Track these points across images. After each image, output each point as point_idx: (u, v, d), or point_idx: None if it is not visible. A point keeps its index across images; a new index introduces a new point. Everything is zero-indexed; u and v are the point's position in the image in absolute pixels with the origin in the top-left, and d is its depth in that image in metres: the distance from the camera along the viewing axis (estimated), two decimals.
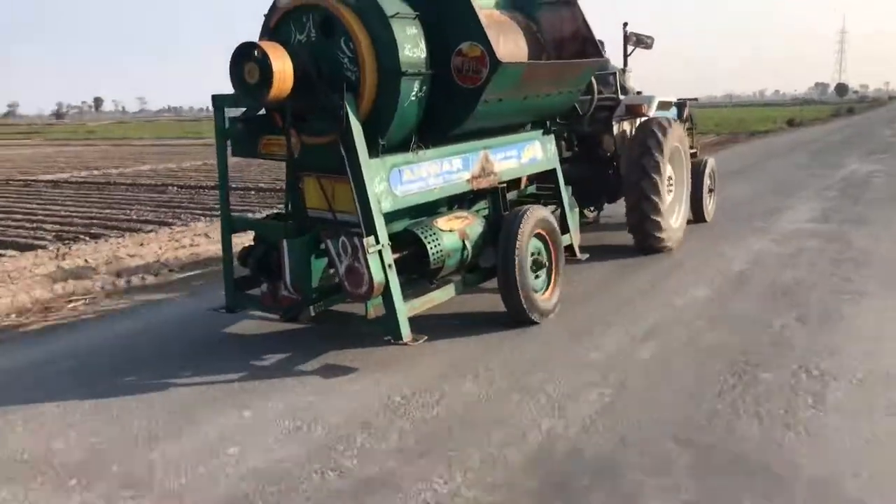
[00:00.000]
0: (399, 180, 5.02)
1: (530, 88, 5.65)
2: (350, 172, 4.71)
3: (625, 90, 8.97)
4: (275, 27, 5.00)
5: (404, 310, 4.88)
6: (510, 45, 6.01)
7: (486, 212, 6.01)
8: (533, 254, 5.82)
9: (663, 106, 8.77)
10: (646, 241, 8.05)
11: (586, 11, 6.34)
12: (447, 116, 5.31)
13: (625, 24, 10.36)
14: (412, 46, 4.83)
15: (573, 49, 6.44)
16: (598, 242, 8.90)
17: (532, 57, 6.19)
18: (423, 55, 4.93)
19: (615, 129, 8.28)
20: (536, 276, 5.85)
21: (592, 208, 9.17)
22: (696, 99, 12.40)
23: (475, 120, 5.35)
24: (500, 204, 5.90)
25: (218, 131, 5.39)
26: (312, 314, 5.13)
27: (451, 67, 5.17)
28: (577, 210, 7.26)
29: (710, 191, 10.63)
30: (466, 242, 5.39)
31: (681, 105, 11.39)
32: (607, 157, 8.47)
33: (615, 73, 8.63)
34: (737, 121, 44.47)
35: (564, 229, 6.96)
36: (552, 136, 6.72)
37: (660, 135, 7.90)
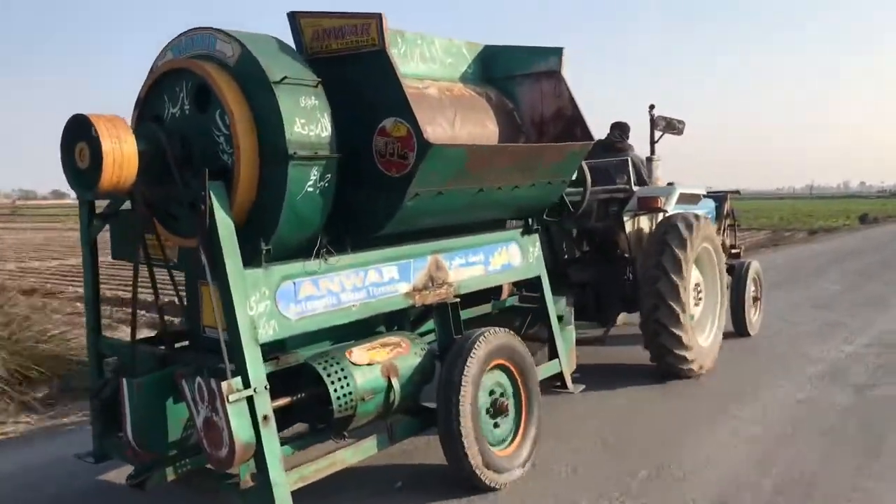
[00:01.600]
0: (293, 297, 3.74)
1: (486, 178, 4.38)
2: (213, 287, 3.47)
3: (642, 181, 7.64)
4: (146, 98, 3.89)
5: (284, 482, 3.51)
6: (471, 125, 4.79)
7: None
8: (492, 393, 4.42)
9: (688, 199, 7.36)
10: (664, 361, 6.53)
11: (573, 87, 5.11)
12: (370, 213, 4.07)
13: (651, 107, 9.14)
14: (307, 122, 3.62)
15: (557, 131, 5.19)
16: (611, 360, 7.39)
17: (506, 141, 4.96)
18: (326, 133, 3.71)
19: (629, 227, 6.89)
20: (495, 425, 4.41)
21: (600, 322, 7.66)
22: (737, 191, 10.95)
23: (405, 218, 4.08)
24: (450, 325, 4.54)
25: (83, 229, 4.25)
26: (170, 477, 3.80)
27: (374, 150, 3.96)
28: (571, 328, 5.83)
29: (756, 299, 9.05)
30: (395, 380, 4.02)
31: (719, 198, 10.01)
32: (622, 259, 7.05)
33: (629, 160, 7.33)
34: (805, 215, 42.27)
35: (553, 353, 5.55)
36: (536, 236, 5.40)
37: (683, 230, 6.50)
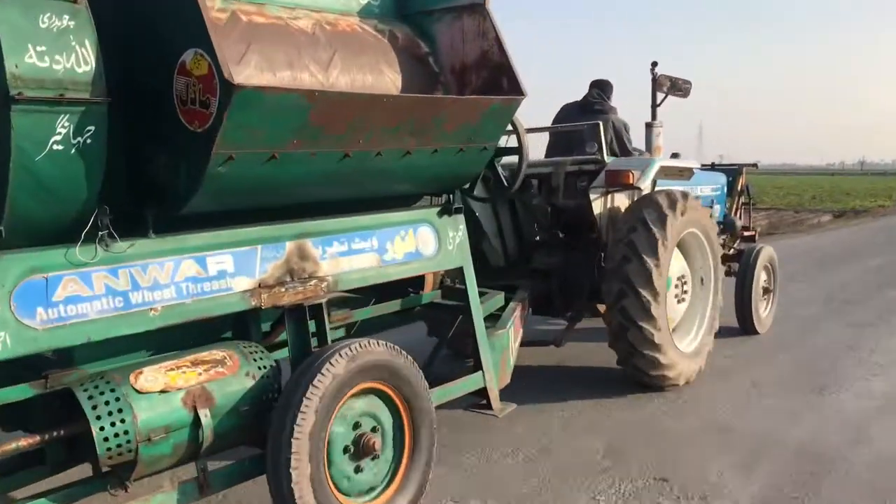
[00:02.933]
0: (44, 297, 2.68)
1: (354, 140, 3.23)
2: None
3: (625, 150, 6.40)
4: None
5: None
6: (358, 72, 3.65)
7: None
8: (357, 426, 3.32)
9: (676, 174, 6.10)
10: (630, 364, 5.39)
11: (501, 26, 3.91)
12: (171, 182, 2.97)
13: (654, 65, 7.84)
14: (50, 49, 2.52)
15: (481, 82, 4.01)
16: (569, 362, 6.26)
17: (416, 93, 3.81)
18: (87, 69, 2.59)
19: (599, 205, 5.66)
20: (357, 469, 3.32)
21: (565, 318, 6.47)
22: (755, 164, 9.61)
23: (224, 189, 2.96)
24: (306, 333, 3.44)
25: None
26: None
27: (175, 94, 2.85)
28: (504, 332, 4.69)
29: (767, 291, 7.80)
30: (205, 411, 2.95)
31: (732, 172, 8.71)
32: (592, 243, 5.86)
33: (602, 124, 6.09)
34: (842, 193, 39.87)
35: (477, 364, 4.43)
36: (459, 217, 4.26)
37: (664, 208, 5.31)
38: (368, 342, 3.33)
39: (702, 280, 6.02)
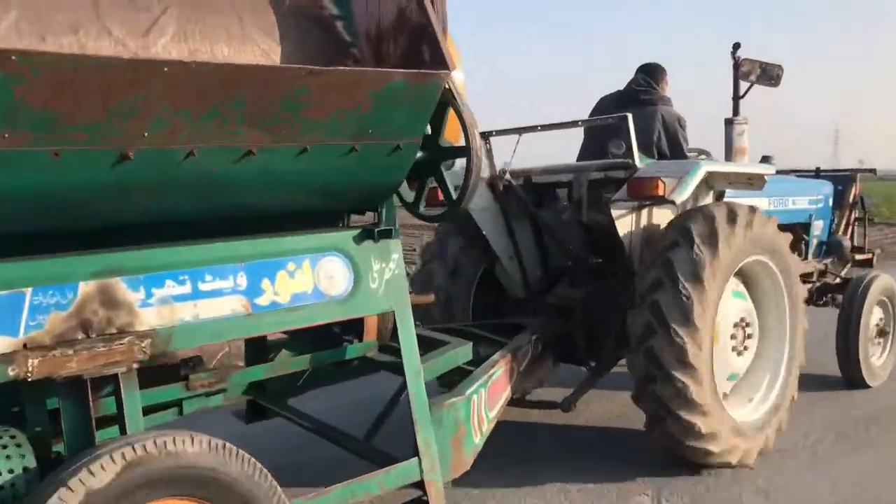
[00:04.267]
0: None
1: (126, 130, 2.11)
2: None
3: (677, 151, 4.97)
4: None
5: None
6: (219, 41, 2.57)
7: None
8: None
9: (739, 181, 4.63)
10: (658, 429, 4.02)
11: None
12: None
13: (735, 47, 6.35)
14: None
15: (400, 52, 2.82)
16: (588, 421, 4.90)
17: (326, 64, 2.67)
18: None
19: (628, 223, 4.27)
20: None
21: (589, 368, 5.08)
22: (872, 170, 7.77)
23: None
24: (87, 418, 2.36)
25: None
26: None
27: None
28: (460, 402, 3.41)
29: (884, 333, 6.11)
30: None
31: (843, 180, 7.02)
32: (623, 271, 4.48)
33: (647, 119, 4.69)
34: None
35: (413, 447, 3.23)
36: (391, 243, 3.08)
37: (717, 222, 3.95)
38: (167, 440, 2.22)
39: (772, 327, 4.53)
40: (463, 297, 5.08)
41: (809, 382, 5.48)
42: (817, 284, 6.22)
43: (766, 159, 6.61)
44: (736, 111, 6.61)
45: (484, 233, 4.87)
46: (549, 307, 4.81)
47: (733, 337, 4.25)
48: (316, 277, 2.91)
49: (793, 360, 4.53)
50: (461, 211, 3.10)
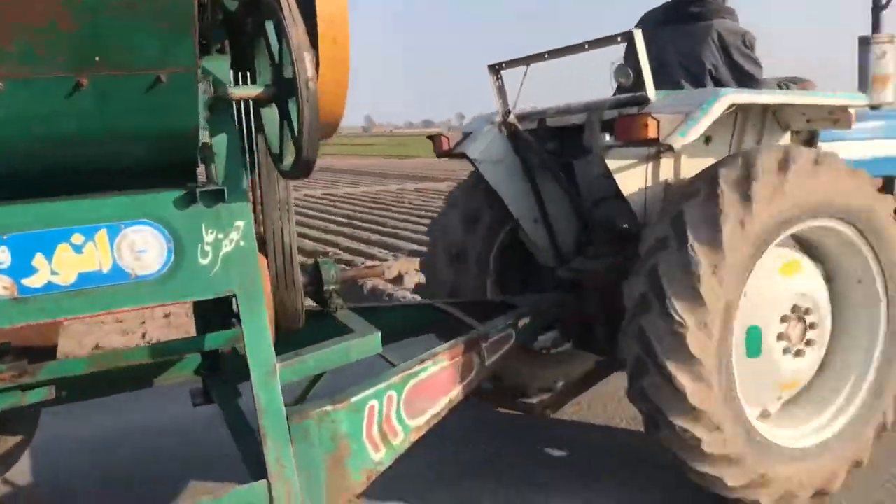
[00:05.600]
0: None
1: None
2: None
3: (741, 77, 3.69)
4: None
5: None
6: None
7: None
8: None
9: (799, 118, 3.35)
10: (662, 447, 2.98)
11: None
12: None
13: None
14: None
15: None
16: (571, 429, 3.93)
17: None
18: None
19: (630, 177, 3.22)
20: None
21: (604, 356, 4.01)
22: None
23: None
24: None
25: None
26: None
27: None
28: (341, 412, 2.59)
29: None
30: None
31: None
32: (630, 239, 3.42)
33: (699, 37, 3.53)
34: None
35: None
36: (231, 207, 2.37)
37: (757, 167, 2.86)
38: None
39: (855, 323, 3.28)
40: (480, 256, 4.22)
41: None
42: None
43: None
44: (875, 27, 5.14)
45: (498, 192, 4.00)
46: (562, 282, 3.86)
47: (781, 337, 3.08)
48: (116, 252, 2.29)
49: (888, 369, 3.25)
50: (300, 168, 2.30)
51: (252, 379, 2.44)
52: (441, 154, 4.19)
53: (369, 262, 7.56)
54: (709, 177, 2.93)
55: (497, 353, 3.31)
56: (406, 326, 3.71)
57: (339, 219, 13.52)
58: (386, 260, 7.80)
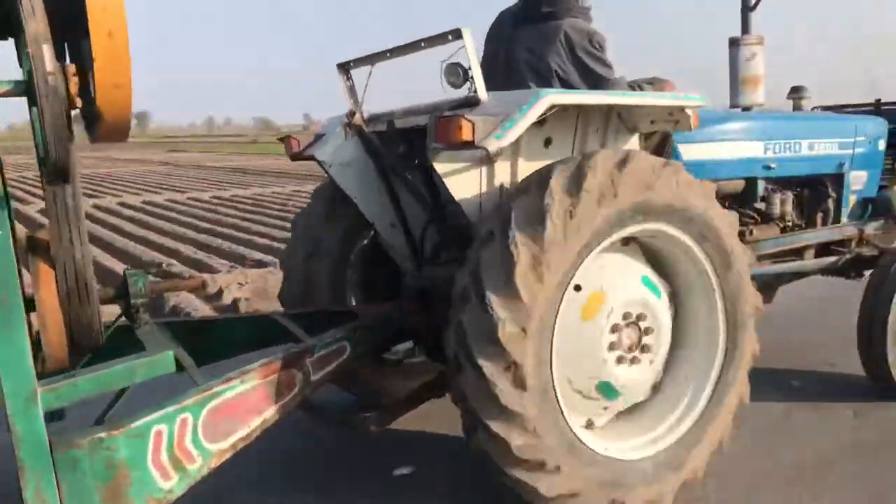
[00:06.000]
0: None
1: None
2: None
3: (595, 78, 3.57)
4: None
5: None
6: None
7: None
8: None
9: (644, 119, 3.28)
10: (478, 451, 2.81)
11: None
12: None
13: None
14: None
15: None
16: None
17: None
18: None
19: (462, 181, 3.09)
20: None
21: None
22: None
23: None
24: None
25: None
26: None
27: None
28: (117, 439, 2.35)
29: None
30: None
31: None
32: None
33: (547, 37, 3.42)
34: None
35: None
36: None
37: (589, 169, 2.75)
38: None
39: (694, 334, 3.20)
40: (338, 254, 4.04)
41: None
42: (848, 256, 4.67)
43: (796, 91, 5.07)
44: (745, 28, 5.14)
45: (349, 195, 3.83)
46: (411, 291, 3.71)
47: (612, 346, 2.97)
48: None
49: (740, 366, 3.17)
50: (52, 172, 2.07)
51: (7, 406, 2.20)
52: (293, 156, 4.00)
53: (190, 274, 7.17)
54: (541, 175, 2.82)
55: (326, 367, 3.10)
56: (242, 340, 3.49)
57: (204, 224, 12.29)
58: (219, 271, 7.45)
